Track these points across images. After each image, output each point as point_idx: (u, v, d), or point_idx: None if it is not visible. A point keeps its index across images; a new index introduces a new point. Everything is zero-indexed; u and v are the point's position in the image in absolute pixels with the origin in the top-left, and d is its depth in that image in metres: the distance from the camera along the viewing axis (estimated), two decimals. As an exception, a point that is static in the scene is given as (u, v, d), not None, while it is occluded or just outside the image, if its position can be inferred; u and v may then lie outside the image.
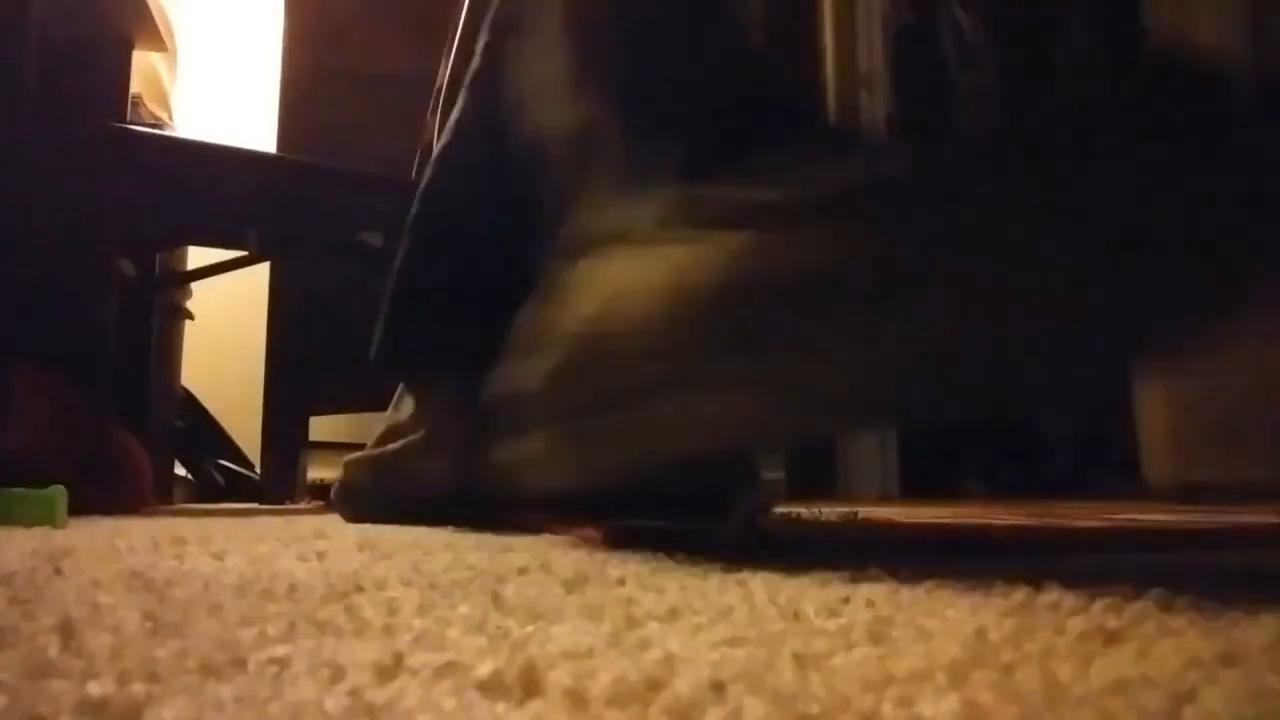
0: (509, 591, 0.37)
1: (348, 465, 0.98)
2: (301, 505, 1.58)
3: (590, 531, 0.68)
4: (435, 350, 0.92)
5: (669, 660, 0.24)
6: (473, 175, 0.89)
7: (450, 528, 0.89)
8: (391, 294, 0.94)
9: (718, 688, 0.21)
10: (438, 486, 0.88)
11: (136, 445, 1.24)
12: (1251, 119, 0.45)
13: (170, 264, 1.75)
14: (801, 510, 1.06)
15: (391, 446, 0.93)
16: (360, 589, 0.38)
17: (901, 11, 2.39)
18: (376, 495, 0.94)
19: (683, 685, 0.21)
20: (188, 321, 1.84)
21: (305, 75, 1.99)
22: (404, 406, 0.95)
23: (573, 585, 0.39)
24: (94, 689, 0.20)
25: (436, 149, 0.94)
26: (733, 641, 0.27)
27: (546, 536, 0.72)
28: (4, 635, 0.27)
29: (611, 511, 0.76)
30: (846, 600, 0.35)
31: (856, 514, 1.03)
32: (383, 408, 1.02)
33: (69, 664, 0.23)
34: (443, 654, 0.24)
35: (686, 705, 0.19)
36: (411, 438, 0.91)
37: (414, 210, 0.93)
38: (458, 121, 0.91)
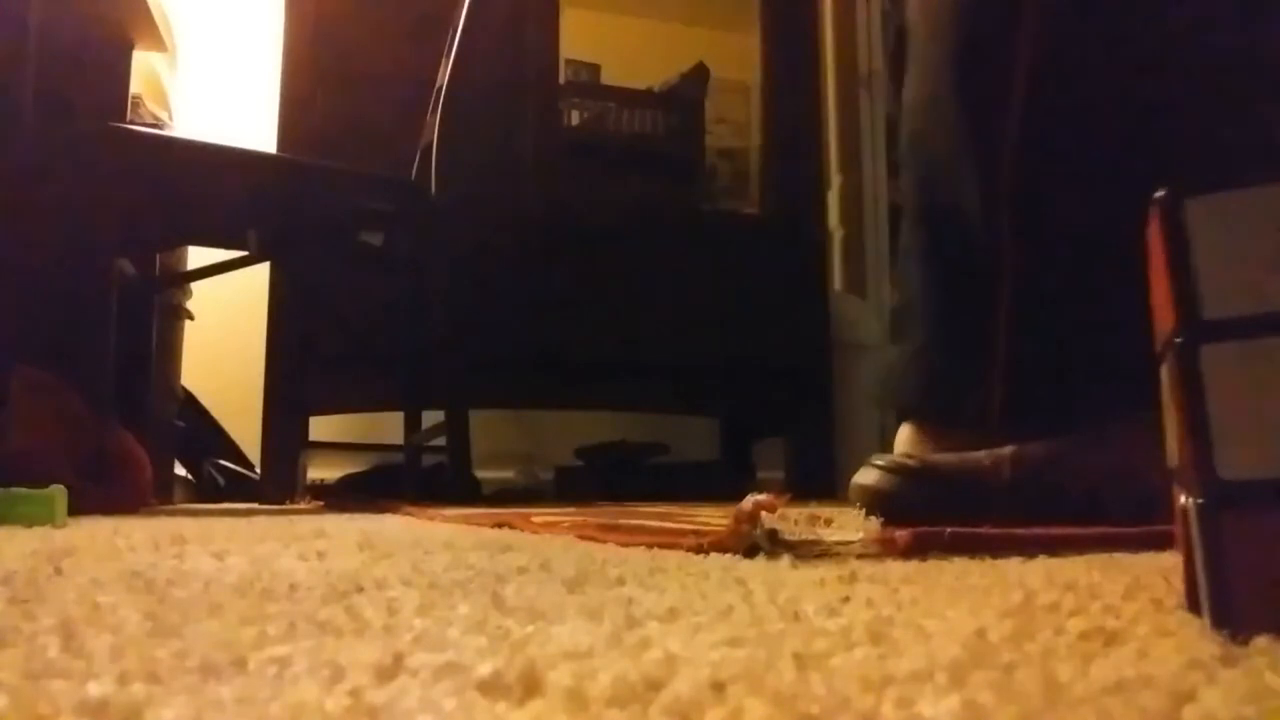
0: (509, 591, 0.37)
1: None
2: (301, 505, 1.58)
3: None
4: None
5: (669, 660, 0.24)
6: None
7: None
8: None
9: (718, 688, 0.21)
10: None
11: (136, 445, 1.24)
12: None
13: (170, 264, 1.75)
14: (801, 510, 1.06)
15: None
16: (360, 589, 0.38)
17: (900, 11, 2.40)
18: None
19: (683, 685, 0.21)
20: (188, 321, 1.84)
21: (305, 75, 1.99)
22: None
23: (573, 585, 0.39)
24: (94, 689, 0.20)
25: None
26: (733, 641, 0.27)
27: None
28: (4, 635, 0.27)
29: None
30: (846, 600, 0.35)
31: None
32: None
33: (69, 664, 0.23)
34: (443, 654, 0.24)
35: (686, 705, 0.19)
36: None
37: None
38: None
